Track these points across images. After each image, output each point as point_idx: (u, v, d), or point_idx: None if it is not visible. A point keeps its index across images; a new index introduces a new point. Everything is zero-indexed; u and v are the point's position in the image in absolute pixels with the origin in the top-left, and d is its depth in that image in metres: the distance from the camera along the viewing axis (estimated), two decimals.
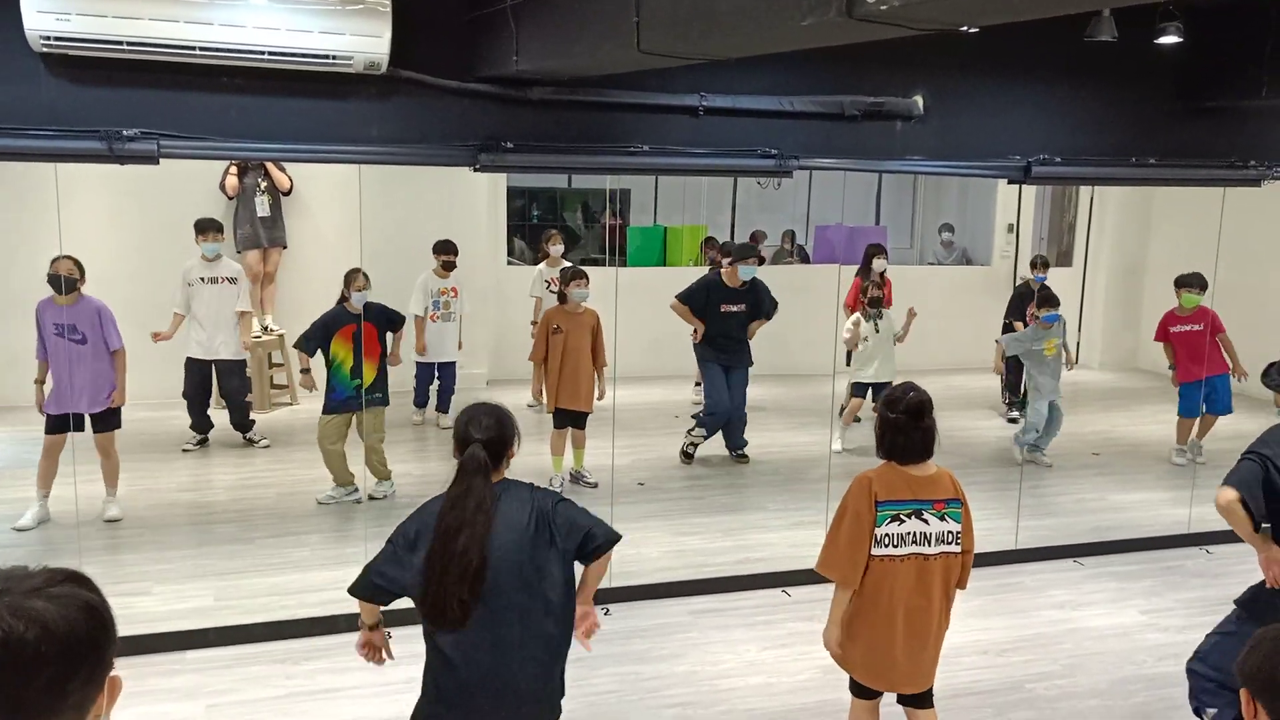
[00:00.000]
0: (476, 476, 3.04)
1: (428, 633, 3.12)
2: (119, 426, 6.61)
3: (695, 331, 8.28)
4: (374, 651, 3.42)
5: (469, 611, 2.99)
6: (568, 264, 9.30)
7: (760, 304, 8.36)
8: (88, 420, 6.45)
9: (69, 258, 6.28)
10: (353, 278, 6.88)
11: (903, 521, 3.61)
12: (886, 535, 3.60)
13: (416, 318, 8.61)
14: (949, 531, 3.67)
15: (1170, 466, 8.43)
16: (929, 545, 3.65)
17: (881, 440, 3.69)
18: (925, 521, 3.64)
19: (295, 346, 7.12)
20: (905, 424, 3.61)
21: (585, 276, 7.43)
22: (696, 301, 8.27)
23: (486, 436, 3.09)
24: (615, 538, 3.24)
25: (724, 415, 8.19)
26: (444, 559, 2.98)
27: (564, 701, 3.27)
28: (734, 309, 8.27)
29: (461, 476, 3.06)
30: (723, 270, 8.48)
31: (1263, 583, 4.05)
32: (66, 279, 6.23)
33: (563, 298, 7.47)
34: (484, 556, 3.00)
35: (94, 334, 6.36)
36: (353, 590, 3.23)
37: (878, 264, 9.25)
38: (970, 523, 3.74)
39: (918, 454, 3.65)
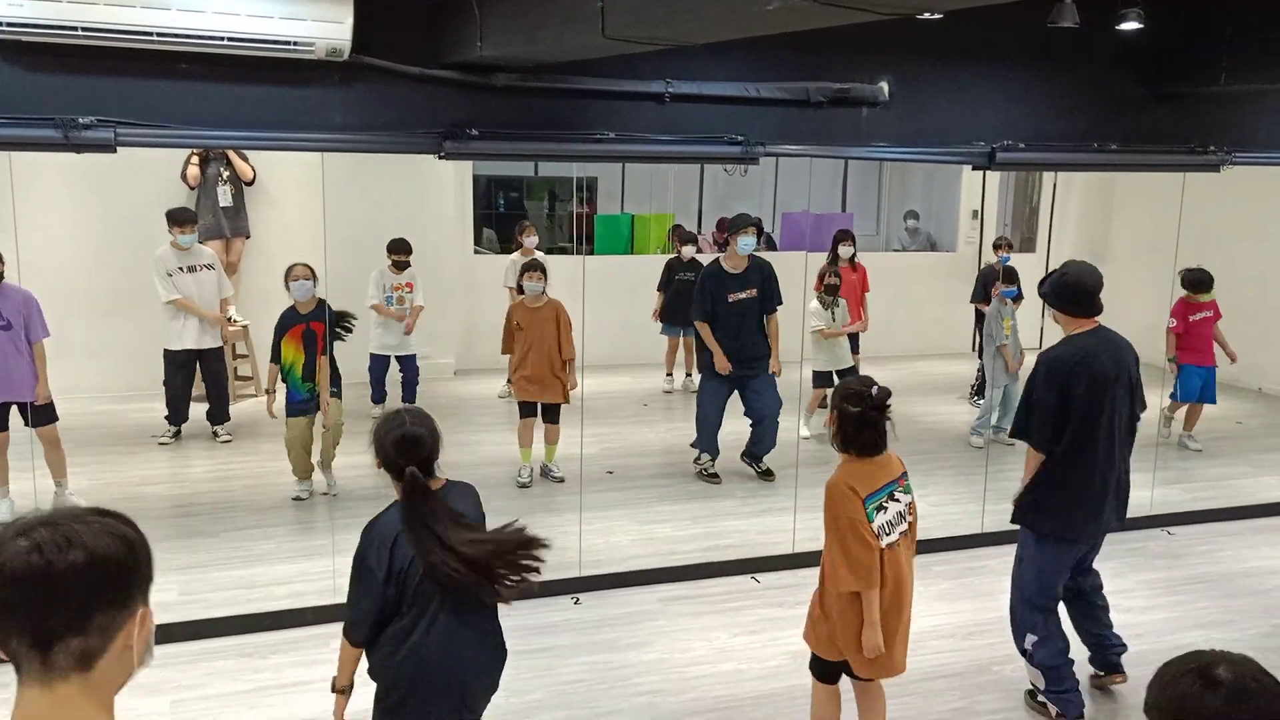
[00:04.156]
0: (419, 498, 3.11)
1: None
2: (57, 419, 6.42)
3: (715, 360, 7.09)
4: None
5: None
6: (539, 254, 9.25)
7: (771, 289, 7.18)
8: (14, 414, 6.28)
9: None
10: (288, 272, 6.74)
11: (885, 509, 3.72)
12: (878, 528, 3.69)
13: (375, 305, 8.54)
14: (909, 505, 3.84)
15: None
16: (904, 523, 3.79)
17: (845, 435, 3.74)
18: (897, 501, 3.77)
19: (272, 361, 6.85)
20: (869, 419, 3.69)
21: (539, 270, 7.24)
22: (705, 305, 7.14)
23: (420, 458, 3.16)
24: None
25: (707, 432, 7.43)
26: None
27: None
28: (743, 296, 7.07)
29: (407, 500, 3.13)
30: (721, 255, 7.38)
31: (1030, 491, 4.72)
32: None
33: (522, 289, 7.44)
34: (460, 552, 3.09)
35: (18, 321, 6.14)
36: (354, 641, 3.23)
37: (844, 249, 9.26)
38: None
39: (880, 447, 3.74)
